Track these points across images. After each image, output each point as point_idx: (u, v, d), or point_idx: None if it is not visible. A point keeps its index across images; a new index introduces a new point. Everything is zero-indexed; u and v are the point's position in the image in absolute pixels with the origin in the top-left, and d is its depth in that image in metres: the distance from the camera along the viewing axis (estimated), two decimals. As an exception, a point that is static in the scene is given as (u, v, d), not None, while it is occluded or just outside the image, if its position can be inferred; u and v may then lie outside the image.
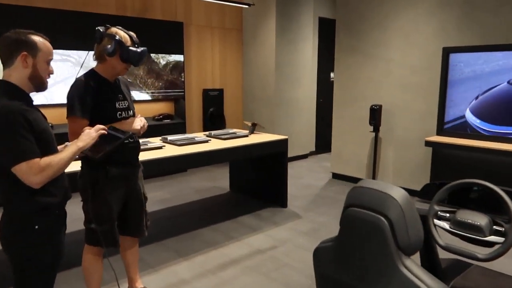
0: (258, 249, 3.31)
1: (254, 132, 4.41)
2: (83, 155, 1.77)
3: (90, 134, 1.75)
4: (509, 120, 3.79)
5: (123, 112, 2.18)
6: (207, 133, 4.25)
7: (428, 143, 4.28)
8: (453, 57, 4.09)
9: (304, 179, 5.50)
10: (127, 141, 2.16)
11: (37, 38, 1.60)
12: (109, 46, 2.01)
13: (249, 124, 4.46)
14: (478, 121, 3.97)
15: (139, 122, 2.15)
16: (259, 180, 4.65)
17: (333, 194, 4.84)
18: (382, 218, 1.03)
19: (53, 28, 4.44)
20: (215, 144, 3.70)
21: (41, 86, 1.64)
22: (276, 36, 6.08)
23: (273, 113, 6.29)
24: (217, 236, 3.59)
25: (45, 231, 1.61)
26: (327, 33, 6.93)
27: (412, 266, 1.02)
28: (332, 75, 7.30)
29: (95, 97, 2.03)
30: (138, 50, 2.08)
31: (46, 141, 1.60)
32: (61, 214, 1.71)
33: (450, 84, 4.12)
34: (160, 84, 5.65)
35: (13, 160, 1.47)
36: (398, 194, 1.09)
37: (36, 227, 1.58)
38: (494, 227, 1.58)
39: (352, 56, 5.16)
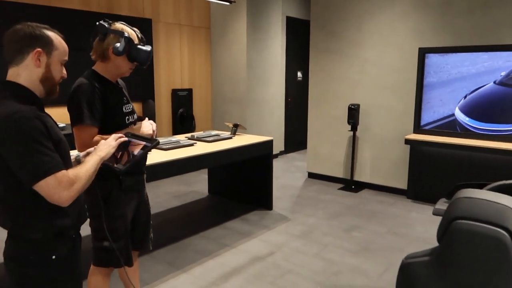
0: (256, 256, 3.19)
1: (237, 133, 4.27)
2: (105, 168, 1.54)
3: (109, 143, 1.52)
4: (496, 117, 3.99)
5: (130, 117, 1.97)
6: (189, 135, 4.05)
7: (407, 141, 4.40)
8: (440, 59, 4.22)
9: (281, 179, 5.44)
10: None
11: (53, 35, 1.36)
12: (119, 44, 1.79)
13: (231, 125, 4.32)
14: (467, 119, 4.14)
15: (149, 126, 1.95)
16: (240, 183, 4.52)
17: (315, 194, 4.82)
18: (503, 232, 0.97)
19: (11, 22, 3.99)
20: (203, 148, 3.52)
21: (52, 90, 1.39)
22: (247, 35, 5.97)
23: (244, 113, 6.17)
24: (209, 244, 3.41)
25: (64, 261, 1.36)
26: (294, 32, 6.93)
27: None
28: (299, 74, 7.33)
29: (103, 102, 1.80)
30: (148, 48, 1.88)
31: (64, 152, 1.37)
32: (77, 238, 1.46)
33: (438, 85, 4.25)
34: (128, 83, 5.30)
35: (38, 175, 1.21)
36: (513, 204, 1.03)
37: (54, 257, 1.33)
38: None
39: (327, 56, 5.17)
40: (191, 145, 3.63)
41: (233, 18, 6.07)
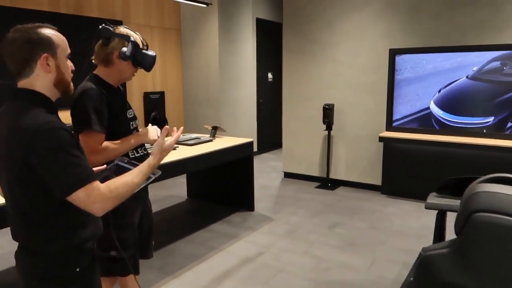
0: (246, 257, 3.21)
1: (216, 136, 4.27)
2: None
3: (169, 145, 1.44)
4: (468, 111, 4.23)
5: (133, 122, 1.94)
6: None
7: (381, 139, 4.57)
8: (415, 55, 4.42)
9: (258, 180, 5.48)
10: (136, 154, 1.93)
11: (49, 32, 1.27)
12: (126, 48, 1.76)
13: (210, 127, 4.31)
14: (442, 112, 4.36)
15: (154, 132, 1.93)
16: (220, 185, 4.52)
17: (293, 194, 4.90)
18: (523, 222, 1.05)
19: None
20: (186, 152, 3.49)
21: (67, 89, 1.33)
22: (219, 37, 5.97)
23: (217, 115, 6.17)
24: (196, 248, 3.40)
25: (87, 273, 1.33)
26: (264, 34, 7.00)
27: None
28: (270, 75, 7.41)
29: (109, 108, 1.76)
30: (153, 53, 1.86)
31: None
32: (92, 249, 1.41)
33: (415, 80, 4.46)
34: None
35: (73, 186, 1.17)
36: (527, 196, 1.12)
37: (78, 269, 1.29)
38: None
39: (300, 57, 5.27)
40: (174, 149, 3.58)
41: (204, 20, 6.04)
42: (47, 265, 1.26)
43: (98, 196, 1.21)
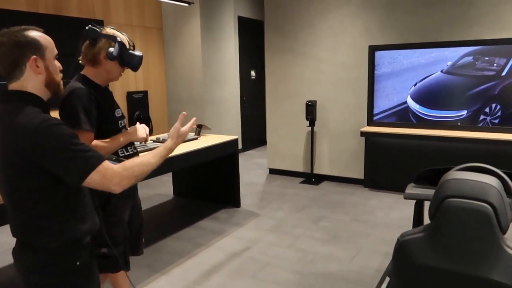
0: (233, 252, 3.27)
1: (201, 134, 4.31)
2: None
3: (184, 130, 1.51)
4: (443, 105, 4.38)
5: (122, 121, 1.98)
6: (154, 138, 4.02)
7: (362, 134, 4.69)
8: (392, 51, 4.55)
9: (244, 177, 5.54)
10: (125, 153, 1.97)
11: (36, 34, 1.31)
12: (112, 48, 1.80)
13: (194, 126, 4.33)
14: (418, 106, 4.50)
15: (143, 130, 1.98)
16: (206, 183, 4.57)
17: (278, 189, 4.98)
18: (487, 205, 1.14)
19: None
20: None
21: (58, 89, 1.38)
22: (202, 35, 5.99)
23: (202, 114, 6.19)
24: (184, 245, 3.44)
25: (86, 266, 1.37)
26: (246, 31, 7.05)
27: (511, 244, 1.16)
28: (253, 73, 7.47)
29: (98, 107, 1.80)
30: (139, 54, 1.90)
31: None
32: (90, 244, 1.46)
33: (393, 75, 4.57)
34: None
35: (87, 171, 1.23)
36: (494, 182, 1.21)
37: (78, 263, 1.33)
38: None
39: (283, 55, 5.35)
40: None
41: (186, 19, 6.06)
42: (47, 260, 1.29)
43: (114, 174, 1.26)
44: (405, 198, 2.16)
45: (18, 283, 1.35)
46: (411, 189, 2.21)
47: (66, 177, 1.24)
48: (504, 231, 1.18)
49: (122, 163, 1.32)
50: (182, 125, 1.53)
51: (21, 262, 1.32)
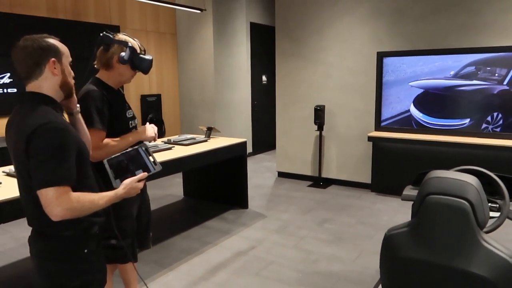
0: (239, 251, 3.38)
1: (211, 136, 4.43)
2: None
3: (138, 186, 1.56)
4: (445, 114, 4.43)
5: (132, 121, 2.12)
6: (165, 139, 4.17)
7: (370, 138, 4.75)
8: (397, 60, 4.62)
9: (253, 179, 5.65)
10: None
11: (55, 41, 1.47)
12: (124, 53, 1.94)
13: (205, 128, 4.47)
14: (421, 114, 4.55)
15: (151, 129, 2.11)
16: (216, 184, 4.69)
17: (286, 192, 5.07)
18: (465, 202, 1.23)
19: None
20: (181, 151, 3.65)
21: (70, 92, 1.52)
22: (214, 41, 6.15)
23: (213, 117, 6.34)
24: (192, 243, 3.56)
25: (94, 254, 1.50)
26: (258, 37, 7.18)
27: (488, 239, 1.24)
28: (264, 78, 7.59)
29: (110, 108, 1.94)
30: (149, 58, 2.04)
31: (85, 159, 1.49)
32: (99, 233, 1.59)
33: (396, 83, 4.64)
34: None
35: (44, 182, 1.29)
36: (472, 180, 1.29)
37: (86, 251, 1.46)
38: (489, 204, 1.91)
39: (293, 61, 5.46)
40: (169, 148, 3.76)
41: (200, 25, 6.22)
42: (58, 246, 1.43)
43: (65, 201, 1.31)
44: (402, 199, 2.24)
45: (33, 267, 1.48)
46: (408, 190, 2.28)
47: (32, 177, 1.32)
48: (481, 227, 1.26)
49: (79, 194, 1.35)
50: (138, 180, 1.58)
51: (35, 249, 1.46)
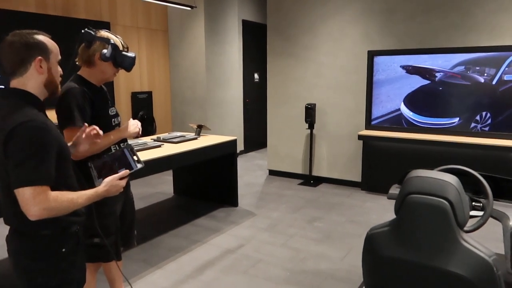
0: (227, 249, 3.37)
1: (201, 134, 4.41)
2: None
3: (119, 184, 1.55)
4: (435, 112, 4.45)
5: (115, 119, 2.09)
6: (154, 137, 4.14)
7: (360, 137, 4.76)
8: (387, 59, 4.63)
9: (244, 177, 5.64)
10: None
11: (44, 38, 1.43)
12: (106, 50, 1.91)
13: (195, 126, 4.45)
14: (411, 113, 4.57)
15: (134, 125, 2.09)
16: (206, 182, 4.67)
17: (276, 190, 5.07)
18: (445, 201, 1.23)
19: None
20: (171, 149, 3.63)
21: (55, 91, 1.50)
22: (206, 38, 6.12)
23: (205, 115, 6.31)
24: (180, 241, 3.54)
25: (72, 254, 1.48)
26: (250, 35, 7.16)
27: (468, 238, 1.24)
28: (256, 76, 7.58)
29: (92, 105, 1.91)
30: (132, 55, 2.02)
31: (66, 159, 1.47)
32: (79, 233, 1.56)
33: (386, 82, 4.64)
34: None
35: (22, 181, 1.27)
36: (452, 179, 1.29)
37: (64, 250, 1.44)
38: (473, 203, 1.92)
39: (284, 59, 5.45)
40: (159, 146, 3.73)
41: (191, 22, 6.19)
42: (37, 245, 1.41)
43: (43, 201, 1.28)
44: (388, 198, 2.25)
45: (11, 266, 1.46)
46: (394, 189, 2.29)
47: (10, 175, 1.30)
48: (461, 226, 1.26)
49: (57, 193, 1.33)
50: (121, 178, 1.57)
51: (13, 247, 1.43)
